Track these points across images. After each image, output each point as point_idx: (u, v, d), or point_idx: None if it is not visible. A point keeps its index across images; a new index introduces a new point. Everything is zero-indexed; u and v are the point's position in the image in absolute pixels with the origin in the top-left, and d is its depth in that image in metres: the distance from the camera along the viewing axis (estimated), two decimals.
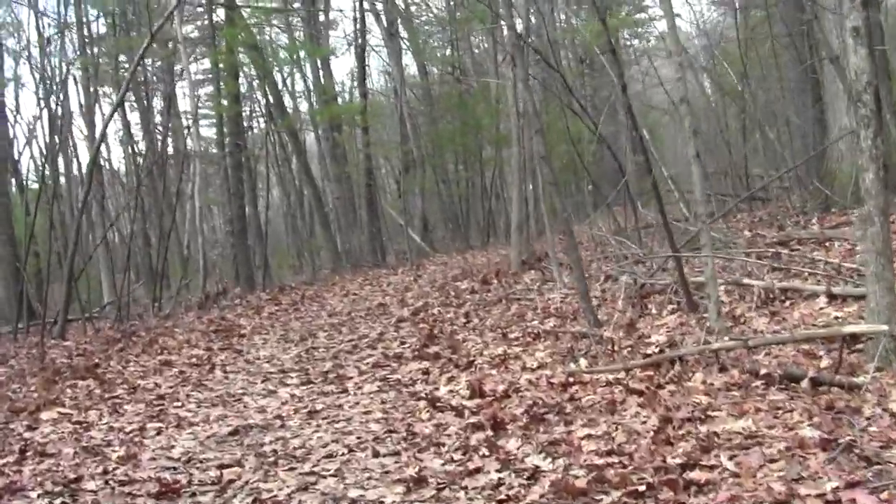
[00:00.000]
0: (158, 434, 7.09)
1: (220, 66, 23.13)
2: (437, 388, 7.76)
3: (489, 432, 6.08)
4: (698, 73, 25.70)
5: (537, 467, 5.18)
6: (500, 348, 8.90)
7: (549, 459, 5.28)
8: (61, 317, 14.59)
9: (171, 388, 9.18)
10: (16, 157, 29.13)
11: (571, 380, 7.13)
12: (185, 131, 23.62)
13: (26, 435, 7.30)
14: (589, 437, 5.61)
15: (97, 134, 16.35)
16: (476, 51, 41.20)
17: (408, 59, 35.54)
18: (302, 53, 30.21)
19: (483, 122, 30.74)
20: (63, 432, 7.28)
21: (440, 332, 10.57)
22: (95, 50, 27.43)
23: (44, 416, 7.93)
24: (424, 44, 36.23)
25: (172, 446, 6.65)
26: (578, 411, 6.32)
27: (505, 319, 10.77)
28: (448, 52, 37.32)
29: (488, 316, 11.40)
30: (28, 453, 6.51)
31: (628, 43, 40.08)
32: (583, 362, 7.73)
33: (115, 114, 21.83)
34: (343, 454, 6.03)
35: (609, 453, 5.22)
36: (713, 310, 8.03)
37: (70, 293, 15.08)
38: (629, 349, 8.01)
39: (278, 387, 8.85)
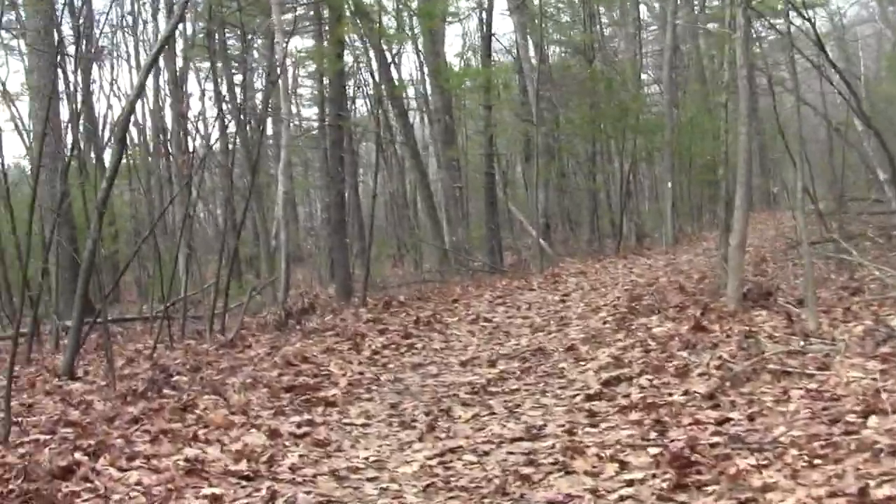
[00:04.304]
0: None
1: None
2: None
3: None
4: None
5: None
6: None
7: None
8: (70, 345, 9.92)
9: None
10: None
11: None
12: (272, 86, 19.03)
13: None
14: None
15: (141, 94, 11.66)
16: (607, 31, 37.13)
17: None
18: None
19: (630, 107, 26.18)
20: None
21: (693, 450, 5.69)
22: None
23: None
24: (551, 21, 31.99)
25: None
26: None
27: (807, 430, 5.86)
28: (575, 32, 33.27)
29: (761, 410, 6.47)
30: None
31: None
32: None
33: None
34: None
35: None
36: None
37: (85, 302, 10.45)
38: None
39: None
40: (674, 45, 27.79)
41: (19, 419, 7.58)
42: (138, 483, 5.74)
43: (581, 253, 25.50)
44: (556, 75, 30.70)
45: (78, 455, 6.28)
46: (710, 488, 5.05)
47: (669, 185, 26.45)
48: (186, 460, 6.20)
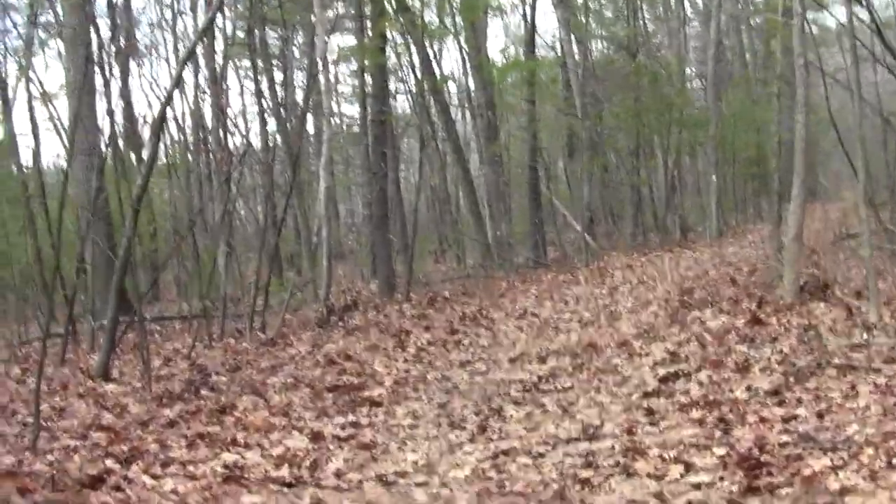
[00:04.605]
0: None
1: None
2: None
3: None
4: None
5: None
6: None
7: None
8: (104, 345, 9.70)
9: None
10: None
11: None
12: (313, 79, 18.79)
13: None
14: None
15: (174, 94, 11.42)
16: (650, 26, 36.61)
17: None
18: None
19: (674, 102, 25.77)
20: None
21: (762, 451, 5.32)
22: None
23: None
24: (594, 15, 31.55)
25: None
26: None
27: (881, 428, 5.46)
28: (617, 26, 32.79)
29: (830, 407, 6.08)
30: None
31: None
32: None
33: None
34: None
35: None
36: None
37: (122, 300, 10.26)
38: None
39: None
40: (718, 39, 27.31)
41: (49, 424, 7.34)
42: (173, 491, 5.46)
43: (625, 247, 25.05)
44: (599, 70, 30.30)
45: (109, 462, 5.99)
46: (783, 491, 4.70)
47: (714, 178, 26.05)
48: (224, 466, 5.93)
